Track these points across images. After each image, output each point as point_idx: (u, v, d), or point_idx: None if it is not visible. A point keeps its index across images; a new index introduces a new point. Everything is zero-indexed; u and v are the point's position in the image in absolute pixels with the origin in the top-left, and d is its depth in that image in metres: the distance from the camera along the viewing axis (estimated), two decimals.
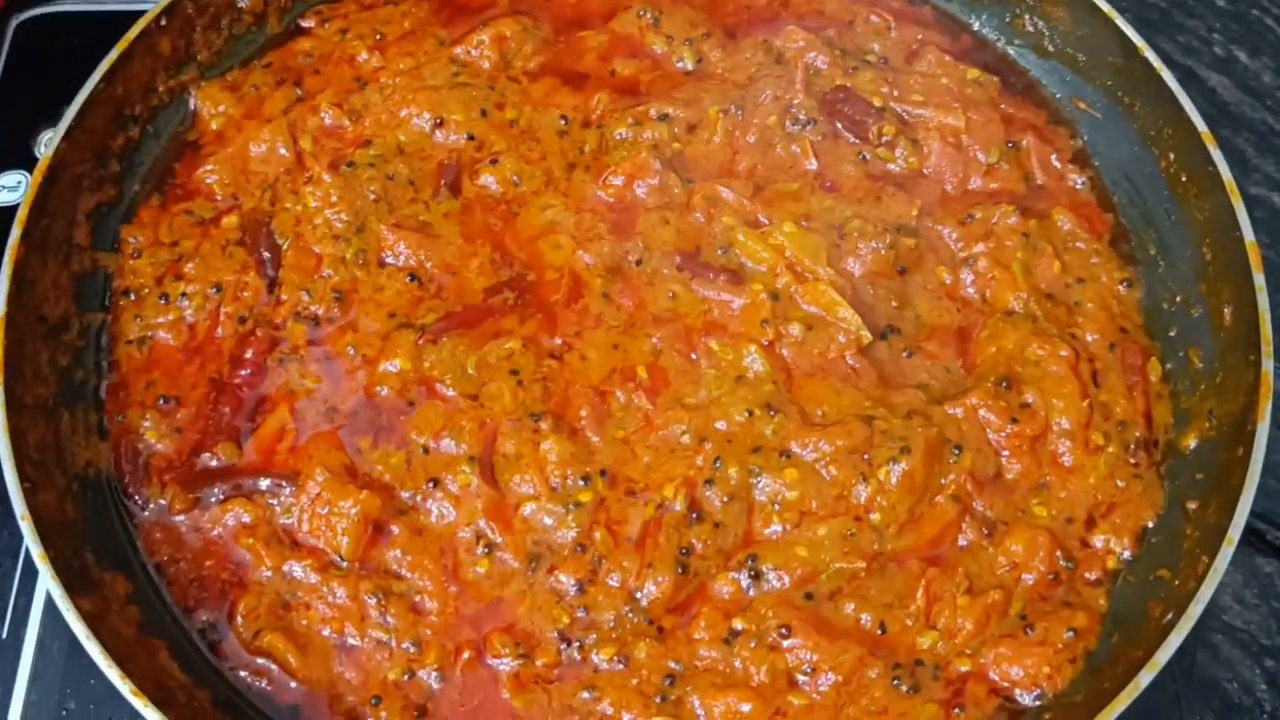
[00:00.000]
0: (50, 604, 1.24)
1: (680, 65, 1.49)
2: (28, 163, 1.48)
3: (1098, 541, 1.22)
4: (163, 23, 1.36)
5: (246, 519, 1.20)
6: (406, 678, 1.14)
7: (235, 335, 1.29)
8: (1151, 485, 1.24)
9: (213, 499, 1.20)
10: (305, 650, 1.15)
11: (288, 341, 1.28)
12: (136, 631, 1.12)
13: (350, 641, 1.15)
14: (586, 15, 1.53)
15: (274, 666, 1.14)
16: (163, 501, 1.20)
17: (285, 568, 1.17)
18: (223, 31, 1.44)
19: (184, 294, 1.30)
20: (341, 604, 1.16)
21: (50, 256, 1.26)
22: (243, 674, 1.14)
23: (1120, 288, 1.35)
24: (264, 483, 1.21)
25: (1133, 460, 1.25)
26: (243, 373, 1.27)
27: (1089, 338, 1.31)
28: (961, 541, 1.20)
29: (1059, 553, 1.20)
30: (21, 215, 1.22)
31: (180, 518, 1.20)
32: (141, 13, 1.35)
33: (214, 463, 1.23)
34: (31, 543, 1.07)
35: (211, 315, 1.29)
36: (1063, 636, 1.15)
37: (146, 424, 1.24)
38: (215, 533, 1.20)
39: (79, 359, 1.26)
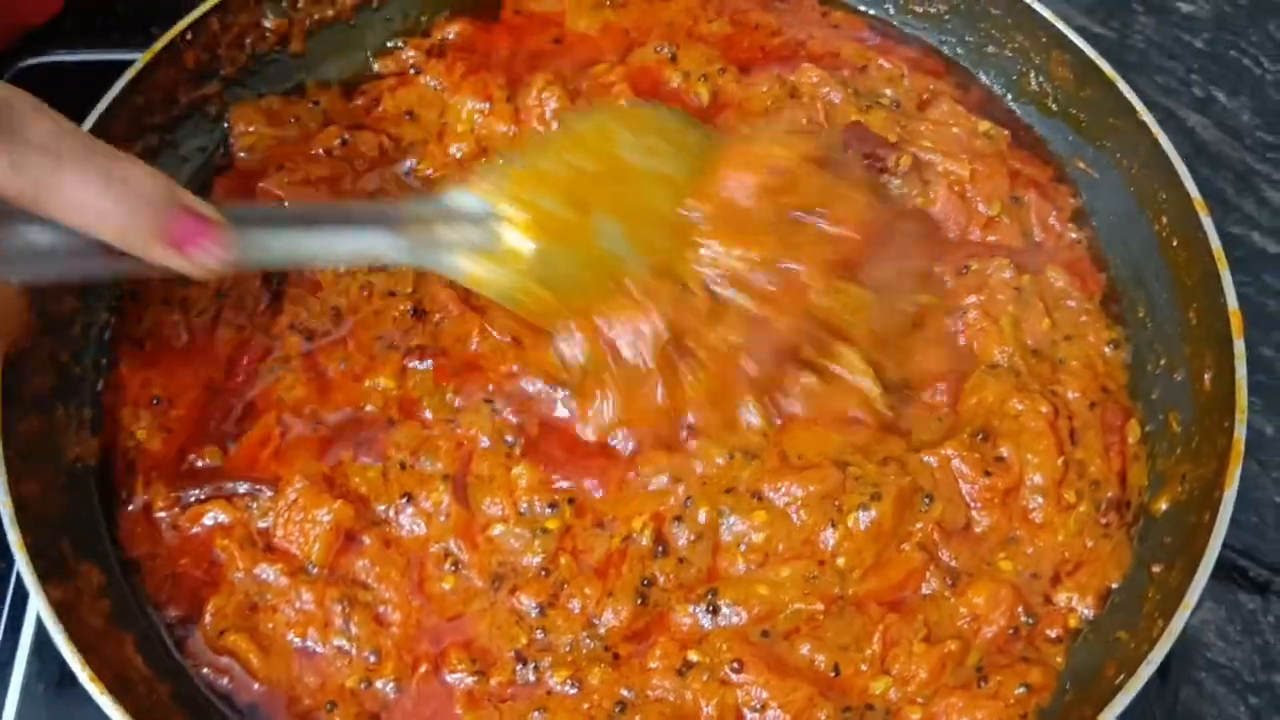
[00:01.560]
0: (36, 649, 1.25)
1: (695, 99, 1.51)
2: None
3: (1061, 599, 1.21)
4: (188, 37, 1.41)
5: (224, 519, 1.22)
6: (364, 686, 1.16)
7: (232, 342, 1.32)
8: (1120, 546, 1.24)
9: (193, 499, 1.24)
10: (268, 652, 1.17)
11: (281, 351, 1.31)
12: (105, 622, 1.15)
13: (312, 646, 1.17)
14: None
15: (236, 666, 1.17)
16: (145, 498, 1.24)
17: (257, 570, 1.20)
18: (246, 49, 1.48)
19: (186, 298, 1.34)
20: (308, 609, 1.18)
21: None
22: (205, 671, 1.17)
23: (1106, 349, 1.35)
24: (243, 486, 1.24)
25: (1104, 520, 1.25)
26: (236, 379, 1.31)
27: (1070, 395, 1.31)
28: (924, 590, 1.21)
29: (1021, 608, 1.20)
30: None
31: (161, 514, 1.23)
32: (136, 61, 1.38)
33: (199, 464, 1.26)
34: (9, 528, 1.11)
35: (211, 321, 1.33)
36: (1015, 691, 1.15)
37: (139, 423, 1.28)
38: (193, 531, 1.22)
39: (79, 356, 1.30)
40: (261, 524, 1.23)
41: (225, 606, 1.19)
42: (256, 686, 1.16)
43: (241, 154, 1.44)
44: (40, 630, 1.25)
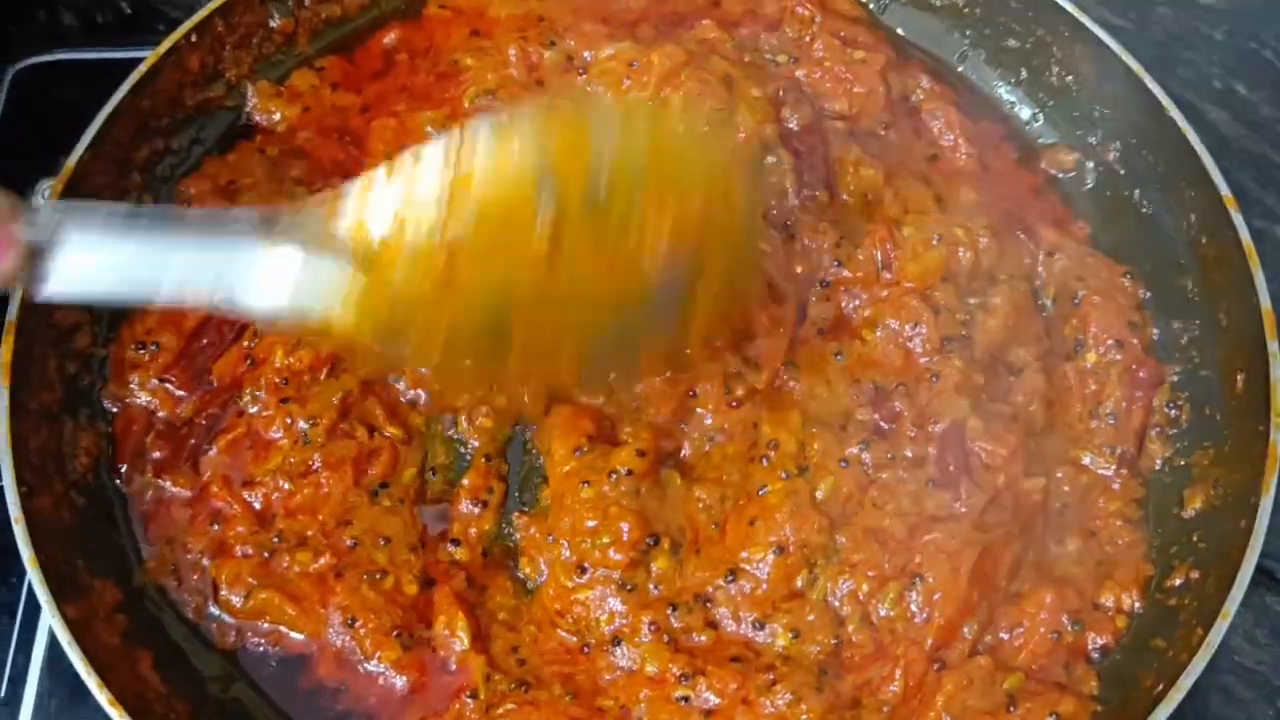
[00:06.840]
0: (49, 659, 1.23)
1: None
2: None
3: (1108, 600, 1.19)
4: (193, 40, 1.38)
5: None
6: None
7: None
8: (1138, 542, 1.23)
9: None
10: (298, 600, 1.16)
11: None
12: (121, 640, 1.13)
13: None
14: None
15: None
16: (163, 483, 1.23)
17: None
18: (252, 50, 1.45)
19: None
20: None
21: None
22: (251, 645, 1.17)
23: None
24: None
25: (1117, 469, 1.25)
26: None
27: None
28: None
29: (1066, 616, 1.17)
30: None
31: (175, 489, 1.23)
32: (140, 60, 1.34)
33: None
34: (23, 546, 1.08)
35: None
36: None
37: (133, 383, 1.26)
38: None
39: (87, 365, 1.27)
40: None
41: (240, 570, 1.17)
42: (297, 637, 1.17)
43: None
44: (53, 645, 1.22)
